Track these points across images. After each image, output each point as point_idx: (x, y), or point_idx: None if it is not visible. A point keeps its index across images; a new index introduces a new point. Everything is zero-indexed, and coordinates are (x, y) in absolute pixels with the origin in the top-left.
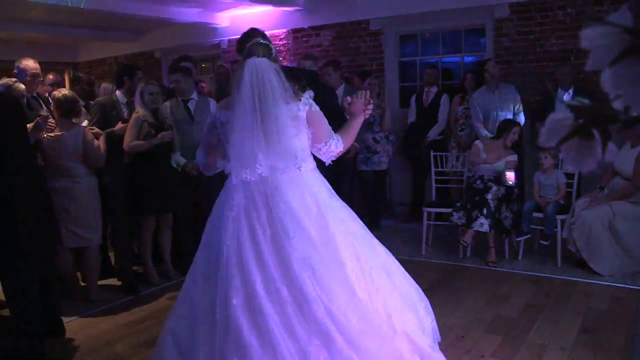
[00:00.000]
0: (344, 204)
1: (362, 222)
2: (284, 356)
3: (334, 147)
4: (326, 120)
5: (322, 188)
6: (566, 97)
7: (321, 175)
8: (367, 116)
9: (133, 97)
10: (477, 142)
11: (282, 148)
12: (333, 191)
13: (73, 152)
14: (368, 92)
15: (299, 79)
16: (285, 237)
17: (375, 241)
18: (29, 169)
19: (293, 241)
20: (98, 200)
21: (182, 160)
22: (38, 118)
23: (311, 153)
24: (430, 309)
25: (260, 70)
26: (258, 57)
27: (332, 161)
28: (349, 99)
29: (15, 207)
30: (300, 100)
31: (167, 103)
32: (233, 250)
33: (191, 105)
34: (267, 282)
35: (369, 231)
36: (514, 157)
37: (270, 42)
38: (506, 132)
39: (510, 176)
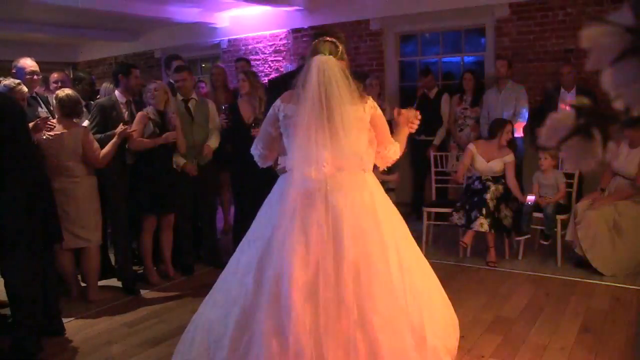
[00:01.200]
0: (395, 209)
1: (407, 228)
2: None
3: (393, 153)
4: (387, 126)
5: (378, 190)
6: (569, 97)
7: (375, 177)
8: (412, 130)
9: (131, 96)
10: (470, 145)
11: (348, 148)
12: (385, 194)
13: (72, 151)
14: (418, 112)
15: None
16: (339, 238)
17: (418, 248)
18: (33, 169)
19: (348, 242)
20: (98, 200)
21: (182, 161)
22: (37, 119)
23: None
24: (457, 326)
25: (327, 68)
26: (324, 54)
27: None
28: (398, 109)
29: (20, 206)
30: (366, 102)
31: None
32: (281, 247)
33: (191, 105)
34: (308, 283)
35: (412, 238)
36: (510, 157)
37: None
38: (499, 130)
39: (530, 199)
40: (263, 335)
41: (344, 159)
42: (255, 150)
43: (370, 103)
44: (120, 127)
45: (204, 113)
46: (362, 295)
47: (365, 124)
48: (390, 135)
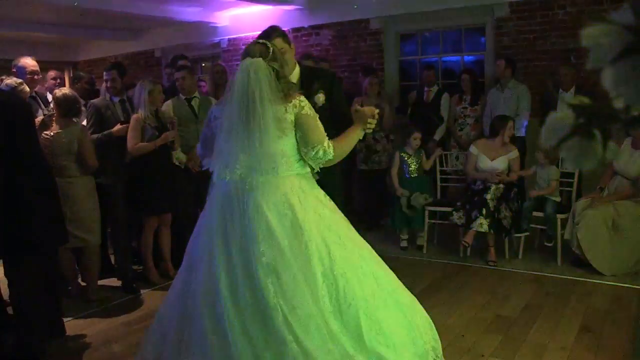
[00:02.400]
0: (335, 211)
1: (355, 233)
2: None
3: (321, 154)
4: (319, 126)
5: (304, 193)
6: (568, 97)
7: (311, 180)
8: (367, 130)
9: (124, 95)
10: (471, 148)
11: (263, 150)
12: (325, 197)
13: (67, 151)
14: (378, 110)
15: (314, 80)
16: (253, 241)
17: (365, 251)
18: (39, 168)
19: (261, 245)
20: (95, 200)
21: (184, 157)
22: (44, 116)
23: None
24: (433, 329)
25: (251, 70)
26: (253, 57)
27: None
28: (357, 106)
29: (26, 206)
30: (290, 102)
31: (169, 102)
32: (206, 248)
33: (194, 103)
34: (232, 285)
35: (362, 242)
36: (515, 154)
37: (285, 40)
38: (502, 128)
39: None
40: (202, 334)
41: (259, 160)
42: (197, 150)
43: (295, 102)
44: (118, 127)
45: (206, 110)
46: (282, 297)
47: (287, 124)
48: (319, 136)
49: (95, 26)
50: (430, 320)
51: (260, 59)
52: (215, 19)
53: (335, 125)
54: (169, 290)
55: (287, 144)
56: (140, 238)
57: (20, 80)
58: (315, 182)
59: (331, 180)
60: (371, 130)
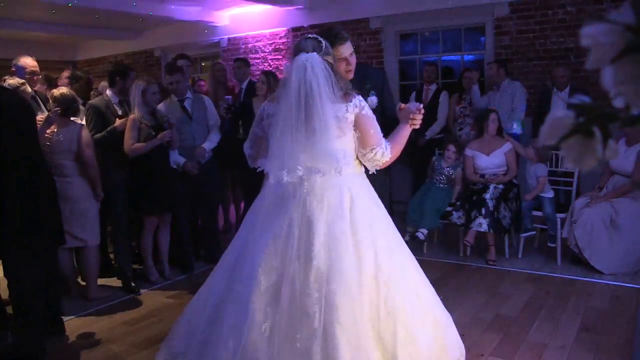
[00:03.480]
0: (386, 216)
1: (402, 243)
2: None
3: (379, 155)
4: (377, 127)
5: (362, 194)
6: (562, 97)
7: (367, 180)
8: (415, 126)
9: (125, 96)
10: (466, 151)
11: (323, 149)
12: (377, 200)
13: (67, 150)
14: (422, 105)
15: (365, 79)
16: (309, 244)
17: (409, 261)
18: (39, 167)
19: (316, 248)
20: (93, 201)
21: (182, 160)
22: (49, 113)
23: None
24: (461, 346)
25: (308, 66)
26: (307, 52)
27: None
28: (401, 104)
29: (26, 205)
30: (350, 101)
31: (162, 104)
32: (254, 248)
33: (187, 104)
34: (272, 288)
35: (408, 254)
36: (509, 146)
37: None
38: (484, 121)
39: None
40: (223, 336)
41: (319, 160)
42: (246, 149)
43: (356, 102)
44: (118, 121)
45: (202, 110)
46: (327, 305)
47: (347, 123)
48: (378, 137)
49: (95, 26)
50: (459, 338)
51: (315, 53)
52: (215, 18)
53: (385, 125)
54: (204, 284)
55: (347, 144)
56: (140, 238)
57: (22, 81)
58: (370, 184)
59: (379, 179)
60: (418, 126)
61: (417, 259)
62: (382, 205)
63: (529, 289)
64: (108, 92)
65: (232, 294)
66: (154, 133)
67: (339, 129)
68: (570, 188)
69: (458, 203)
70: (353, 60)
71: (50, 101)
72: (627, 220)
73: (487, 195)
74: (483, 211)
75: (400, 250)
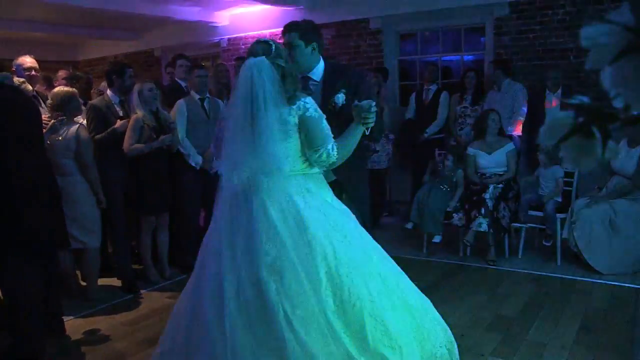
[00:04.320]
0: (343, 212)
1: (364, 233)
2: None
3: (324, 156)
4: (322, 128)
5: (310, 193)
6: (554, 99)
7: (319, 180)
8: (367, 125)
9: (125, 95)
10: (469, 150)
11: (267, 152)
12: (333, 198)
13: (65, 149)
14: (374, 103)
15: (338, 78)
16: (258, 241)
17: (373, 251)
18: (44, 168)
19: (265, 245)
20: (93, 202)
21: (200, 159)
22: (54, 121)
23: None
24: (447, 332)
25: (254, 71)
26: (256, 56)
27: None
28: (356, 102)
29: (27, 205)
30: (294, 104)
31: (182, 100)
32: (214, 247)
33: (206, 104)
34: (237, 283)
35: (371, 243)
36: (511, 147)
37: (311, 34)
38: (483, 123)
39: None
40: (207, 330)
41: (264, 162)
42: (212, 149)
43: (300, 104)
44: (119, 122)
45: (217, 111)
46: (285, 296)
47: (291, 126)
48: (322, 138)
49: (95, 26)
50: (445, 324)
51: (264, 57)
52: (215, 18)
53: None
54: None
55: (291, 146)
56: (139, 238)
57: (22, 80)
58: (324, 183)
59: (353, 177)
60: (369, 124)
61: (417, 260)
62: (339, 203)
63: (529, 289)
64: (108, 92)
65: (204, 293)
66: (155, 135)
67: (283, 131)
68: (570, 188)
69: (458, 204)
70: (291, 53)
71: (50, 98)
72: (626, 221)
73: (487, 195)
74: (482, 211)
75: (360, 242)
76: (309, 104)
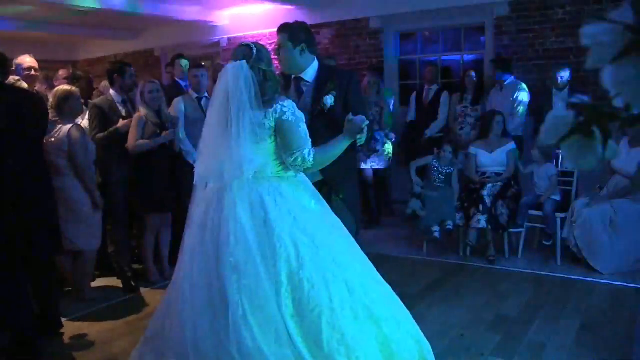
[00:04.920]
0: (320, 216)
1: (341, 239)
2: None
3: (300, 161)
4: (299, 132)
5: (282, 196)
6: (561, 97)
7: (295, 183)
8: (360, 142)
9: (127, 94)
10: (471, 149)
11: (240, 155)
12: (310, 202)
13: (58, 148)
14: (367, 122)
15: (328, 80)
16: (225, 239)
17: (345, 260)
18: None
19: (231, 244)
20: (90, 205)
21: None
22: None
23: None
24: (424, 348)
25: (231, 75)
26: (237, 60)
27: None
28: (350, 116)
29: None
30: (271, 107)
31: (180, 98)
32: (189, 245)
33: (203, 103)
34: (206, 277)
35: (345, 249)
36: (512, 146)
37: (300, 35)
38: (489, 123)
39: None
40: (179, 326)
41: (236, 164)
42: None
43: (277, 108)
44: (121, 122)
45: None
46: (245, 296)
47: (265, 130)
48: (298, 142)
49: (95, 25)
50: (421, 339)
51: (244, 61)
52: (214, 18)
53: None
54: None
55: (266, 149)
56: (141, 237)
57: (17, 78)
58: (305, 186)
59: (339, 177)
60: (360, 140)
61: (417, 260)
62: (317, 206)
63: (529, 289)
64: (111, 91)
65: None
66: (158, 131)
67: (254, 134)
68: (570, 188)
69: (458, 204)
70: (279, 53)
71: (51, 97)
72: (626, 221)
73: (485, 192)
74: (480, 207)
75: (331, 246)
76: (287, 108)
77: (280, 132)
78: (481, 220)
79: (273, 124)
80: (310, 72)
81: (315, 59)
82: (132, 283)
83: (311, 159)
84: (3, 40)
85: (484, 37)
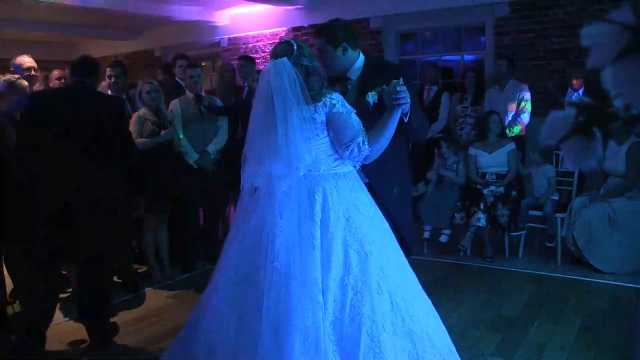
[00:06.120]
0: (372, 220)
1: (389, 248)
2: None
3: (356, 151)
4: (351, 123)
5: (338, 194)
6: (575, 97)
7: (353, 181)
8: (401, 105)
9: (127, 94)
10: (470, 150)
11: (290, 153)
12: (363, 204)
13: None
14: (398, 81)
15: (374, 76)
16: (264, 248)
17: (391, 271)
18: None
19: (276, 249)
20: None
21: (197, 157)
22: None
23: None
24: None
25: (273, 73)
26: (278, 57)
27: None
28: (374, 97)
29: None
30: (320, 101)
31: (176, 100)
32: (234, 254)
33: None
34: (237, 292)
35: (392, 259)
36: (512, 147)
37: (339, 35)
38: (485, 124)
39: None
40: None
41: (288, 163)
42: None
43: (325, 101)
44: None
45: (212, 110)
46: (284, 306)
47: (317, 125)
48: (351, 133)
49: (95, 26)
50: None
51: (285, 58)
52: (215, 18)
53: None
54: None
55: (319, 145)
56: (140, 237)
57: (17, 76)
58: (359, 184)
59: (384, 177)
60: (402, 105)
61: (417, 260)
62: (369, 209)
63: (529, 289)
64: (109, 92)
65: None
66: (157, 130)
67: (308, 130)
68: (570, 188)
69: (459, 203)
70: (323, 59)
71: None
72: (625, 220)
73: (486, 191)
74: (482, 206)
75: (378, 255)
76: (336, 100)
77: (333, 125)
78: (481, 219)
79: (324, 118)
80: (355, 69)
81: (361, 53)
82: (133, 282)
83: (367, 147)
84: (3, 40)
85: (484, 38)
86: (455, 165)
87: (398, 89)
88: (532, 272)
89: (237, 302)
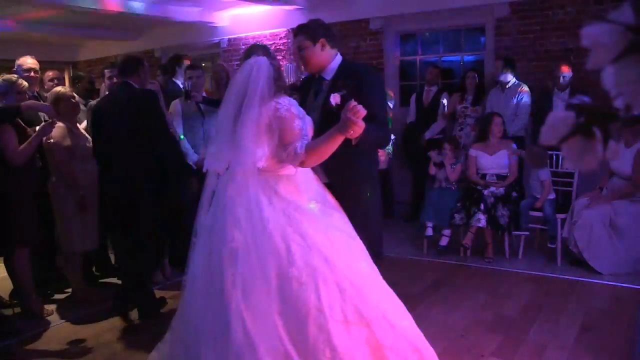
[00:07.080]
0: (323, 215)
1: (340, 243)
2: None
3: (293, 155)
4: (293, 127)
5: (277, 195)
6: (562, 98)
7: (293, 184)
8: (349, 136)
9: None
10: (471, 151)
11: (240, 147)
12: (310, 204)
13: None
14: (357, 106)
15: (340, 78)
16: (224, 234)
17: (339, 264)
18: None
19: (228, 239)
20: (72, 205)
21: (197, 158)
22: (44, 124)
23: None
24: (429, 354)
25: (254, 68)
26: (255, 56)
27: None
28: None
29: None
30: (268, 103)
31: (177, 100)
32: (201, 235)
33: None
34: (208, 268)
35: (341, 253)
36: (513, 147)
37: (318, 31)
38: (488, 125)
39: None
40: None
41: (240, 156)
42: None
43: (271, 104)
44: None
45: (213, 111)
46: (237, 283)
47: (262, 123)
48: (295, 138)
49: (95, 26)
50: (424, 346)
51: (264, 57)
52: (215, 18)
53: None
54: None
55: (263, 143)
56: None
57: (16, 76)
58: (304, 186)
59: (349, 180)
60: (348, 128)
61: (417, 260)
62: (315, 206)
63: (529, 289)
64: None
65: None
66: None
67: (257, 127)
68: (570, 188)
69: (459, 204)
70: (302, 55)
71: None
72: (626, 221)
73: (486, 192)
74: (482, 206)
75: (326, 248)
76: (281, 104)
77: (277, 126)
78: (481, 220)
79: (267, 121)
80: (330, 70)
81: (339, 54)
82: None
83: (302, 154)
84: (3, 41)
85: (484, 38)
86: (452, 166)
87: (355, 111)
88: (532, 272)
89: (206, 286)
